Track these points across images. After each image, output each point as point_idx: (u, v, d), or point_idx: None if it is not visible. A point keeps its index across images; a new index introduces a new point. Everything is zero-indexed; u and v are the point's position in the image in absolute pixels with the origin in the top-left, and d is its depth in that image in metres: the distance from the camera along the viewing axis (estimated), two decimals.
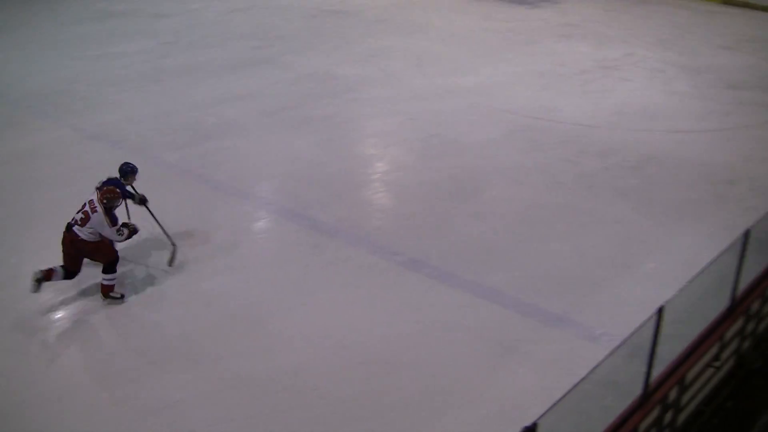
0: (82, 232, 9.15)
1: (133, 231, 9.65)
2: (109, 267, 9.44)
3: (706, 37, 22.12)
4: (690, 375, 7.15)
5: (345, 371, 8.43)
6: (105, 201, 9.17)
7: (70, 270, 9.42)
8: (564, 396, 5.52)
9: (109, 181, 9.80)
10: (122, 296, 9.58)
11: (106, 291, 9.50)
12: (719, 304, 7.83)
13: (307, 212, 11.89)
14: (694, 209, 12.22)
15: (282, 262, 10.61)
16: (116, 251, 9.62)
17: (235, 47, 19.87)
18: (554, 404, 5.39)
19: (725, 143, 14.68)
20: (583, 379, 5.80)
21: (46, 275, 9.24)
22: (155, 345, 8.84)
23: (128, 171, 10.08)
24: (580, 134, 14.86)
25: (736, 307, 7.86)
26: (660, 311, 6.31)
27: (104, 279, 9.48)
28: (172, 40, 20.53)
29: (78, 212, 9.28)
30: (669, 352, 7.01)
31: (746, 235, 7.53)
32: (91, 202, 9.23)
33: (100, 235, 9.23)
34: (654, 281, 10.13)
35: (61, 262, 9.38)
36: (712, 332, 7.60)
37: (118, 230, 9.31)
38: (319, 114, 15.54)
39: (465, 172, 13.22)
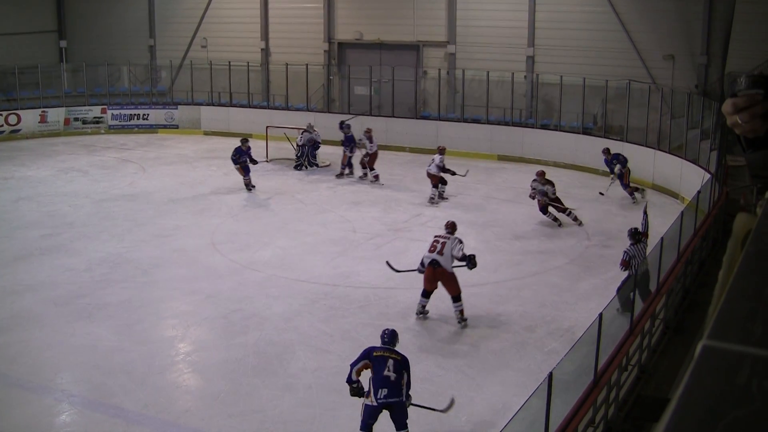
0: None
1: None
2: None
3: (489, 192, 23.18)
4: None
5: None
6: None
7: None
8: None
9: None
10: None
11: None
12: None
13: (112, 401, 11.33)
14: (498, 359, 12.48)
15: None
16: None
17: (24, 236, 18.99)
18: None
19: (519, 292, 15.22)
20: None
21: None
22: None
23: None
24: (379, 297, 15.01)
25: None
26: None
27: None
28: None
29: None
30: None
31: (550, 378, 7.69)
32: None
33: None
34: None
35: None
36: None
37: None
38: (114, 300, 14.97)
39: (269, 345, 13.00)
